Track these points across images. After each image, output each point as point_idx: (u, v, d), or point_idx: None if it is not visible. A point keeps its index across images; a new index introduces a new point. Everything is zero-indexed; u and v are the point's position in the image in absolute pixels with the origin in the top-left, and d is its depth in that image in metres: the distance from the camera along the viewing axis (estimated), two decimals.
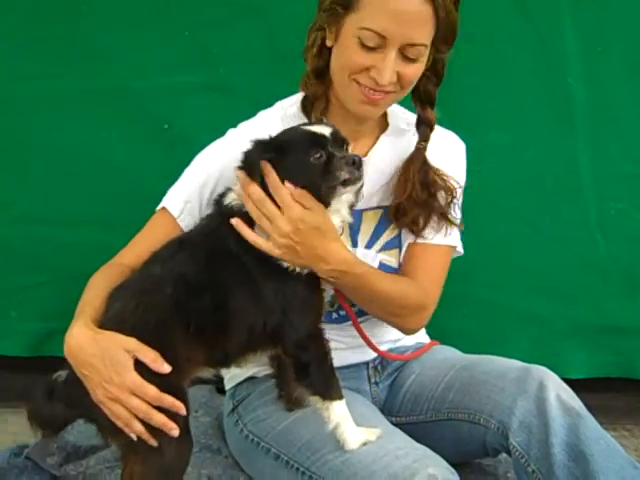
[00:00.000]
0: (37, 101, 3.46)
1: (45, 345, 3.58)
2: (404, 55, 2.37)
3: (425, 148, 2.62)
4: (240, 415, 2.68)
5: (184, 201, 2.52)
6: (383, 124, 2.72)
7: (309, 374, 2.26)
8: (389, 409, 2.77)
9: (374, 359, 2.79)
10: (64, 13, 3.39)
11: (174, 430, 2.13)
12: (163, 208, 2.54)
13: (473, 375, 2.60)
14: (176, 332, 2.18)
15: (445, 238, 2.69)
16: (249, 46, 3.43)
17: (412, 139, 2.67)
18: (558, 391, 2.40)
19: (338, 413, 2.24)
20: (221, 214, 2.31)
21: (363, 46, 2.34)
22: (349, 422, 2.25)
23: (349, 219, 2.36)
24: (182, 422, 2.17)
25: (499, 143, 3.46)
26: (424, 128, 2.61)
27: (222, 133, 2.62)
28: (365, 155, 2.64)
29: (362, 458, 2.21)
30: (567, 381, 2.50)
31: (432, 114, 2.61)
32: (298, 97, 2.67)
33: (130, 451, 2.21)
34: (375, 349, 2.63)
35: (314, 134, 2.23)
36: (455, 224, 2.69)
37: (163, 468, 2.19)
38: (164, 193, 2.59)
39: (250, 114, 2.67)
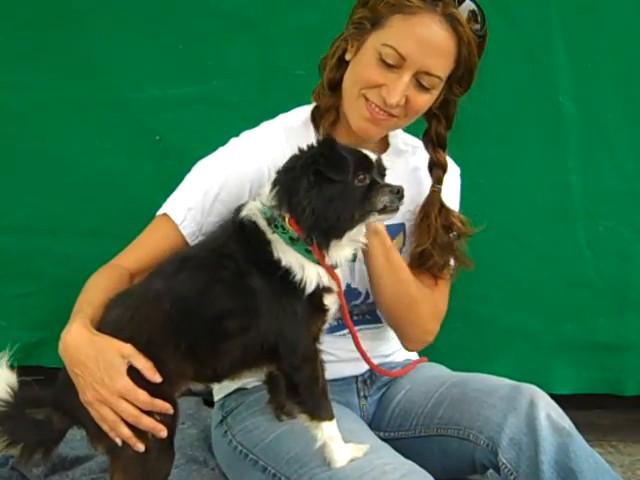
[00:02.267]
0: (30, 111, 3.42)
1: (34, 354, 3.52)
2: (418, 82, 2.37)
3: (440, 191, 2.62)
4: (229, 426, 2.64)
5: (187, 208, 2.47)
6: (384, 144, 2.71)
7: (299, 394, 2.22)
8: (378, 424, 2.73)
9: (364, 373, 2.75)
10: (60, 25, 3.37)
11: (162, 432, 2.11)
12: (164, 214, 2.50)
13: (463, 392, 2.57)
14: (168, 348, 2.14)
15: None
16: (242, 60, 3.40)
17: (410, 159, 2.70)
18: (548, 410, 2.38)
19: (326, 433, 2.20)
20: (233, 227, 2.26)
21: (381, 61, 2.35)
22: (337, 441, 2.21)
23: (349, 258, 2.29)
24: (168, 430, 2.15)
25: (490, 159, 3.44)
26: (437, 170, 2.62)
27: (214, 146, 2.58)
28: None
29: (349, 473, 2.17)
30: (554, 397, 2.48)
31: (444, 157, 2.62)
32: (300, 111, 2.66)
33: (113, 457, 2.18)
34: (367, 360, 2.55)
35: (363, 156, 2.18)
36: (468, 266, 2.71)
37: (144, 477, 2.16)
38: (155, 204, 2.54)
39: (242, 127, 2.63)
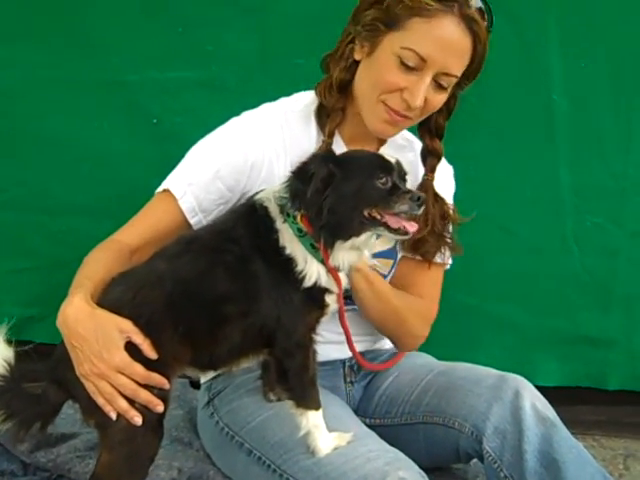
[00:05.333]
0: (30, 90, 3.38)
1: (26, 330, 3.46)
2: (437, 82, 2.32)
3: (433, 179, 2.56)
4: (216, 408, 2.58)
5: (187, 183, 2.40)
6: (382, 139, 2.62)
7: (287, 380, 2.16)
8: (364, 410, 2.68)
9: (351, 357, 2.67)
10: (60, 5, 3.31)
11: (159, 406, 2.05)
12: (165, 190, 2.43)
13: (450, 380, 2.53)
14: (166, 330, 2.07)
15: (443, 257, 2.67)
16: (242, 45, 3.33)
17: (408, 154, 2.62)
18: (533, 400, 2.34)
19: (311, 422, 2.14)
20: (243, 209, 2.20)
21: (402, 65, 2.28)
22: (321, 430, 2.16)
23: (353, 264, 2.19)
24: (157, 415, 2.09)
25: (482, 153, 3.38)
26: (432, 159, 2.56)
27: (211, 130, 2.50)
28: None
29: (334, 459, 2.14)
30: (538, 389, 2.44)
31: (440, 146, 2.56)
32: (302, 96, 2.58)
33: (102, 435, 2.12)
34: (360, 361, 2.54)
35: (384, 159, 2.09)
36: (458, 252, 2.68)
37: (130, 456, 2.10)
38: (151, 186, 2.48)
39: (239, 113, 2.54)
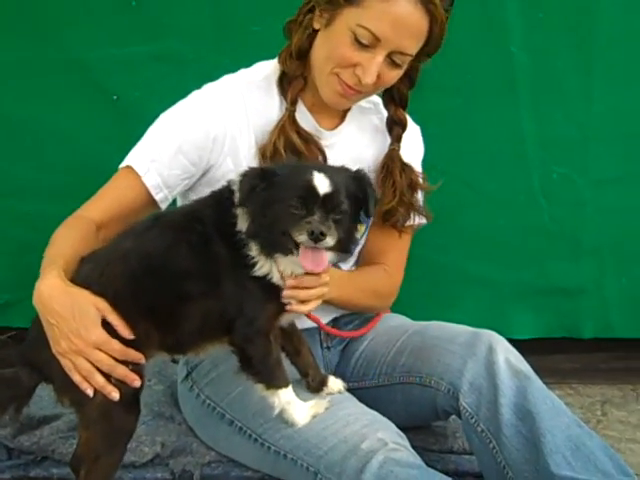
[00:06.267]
0: None
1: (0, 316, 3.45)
2: (391, 60, 2.34)
3: (399, 149, 2.59)
4: (195, 380, 2.62)
5: (150, 160, 2.40)
6: None
7: (253, 366, 2.18)
8: (341, 374, 2.69)
9: (326, 324, 2.70)
10: None
11: (136, 381, 2.09)
12: (128, 166, 2.42)
13: (424, 339, 2.57)
14: (132, 307, 2.10)
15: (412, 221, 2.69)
16: (197, 17, 3.30)
17: (373, 117, 2.68)
18: (507, 354, 2.39)
19: (283, 399, 2.20)
20: (215, 192, 2.22)
21: (356, 41, 2.29)
22: (294, 405, 2.21)
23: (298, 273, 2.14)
24: (133, 390, 2.12)
25: (444, 110, 3.37)
26: (397, 129, 2.60)
27: (171, 104, 2.50)
28: (335, 129, 2.58)
29: (313, 425, 2.19)
30: (514, 342, 2.48)
31: (405, 115, 2.60)
32: (262, 66, 2.59)
33: (79, 413, 2.16)
34: (330, 331, 2.62)
35: (309, 185, 2.00)
36: (429, 218, 2.72)
37: (107, 433, 2.13)
38: (114, 163, 2.47)
39: (198, 85, 2.54)
